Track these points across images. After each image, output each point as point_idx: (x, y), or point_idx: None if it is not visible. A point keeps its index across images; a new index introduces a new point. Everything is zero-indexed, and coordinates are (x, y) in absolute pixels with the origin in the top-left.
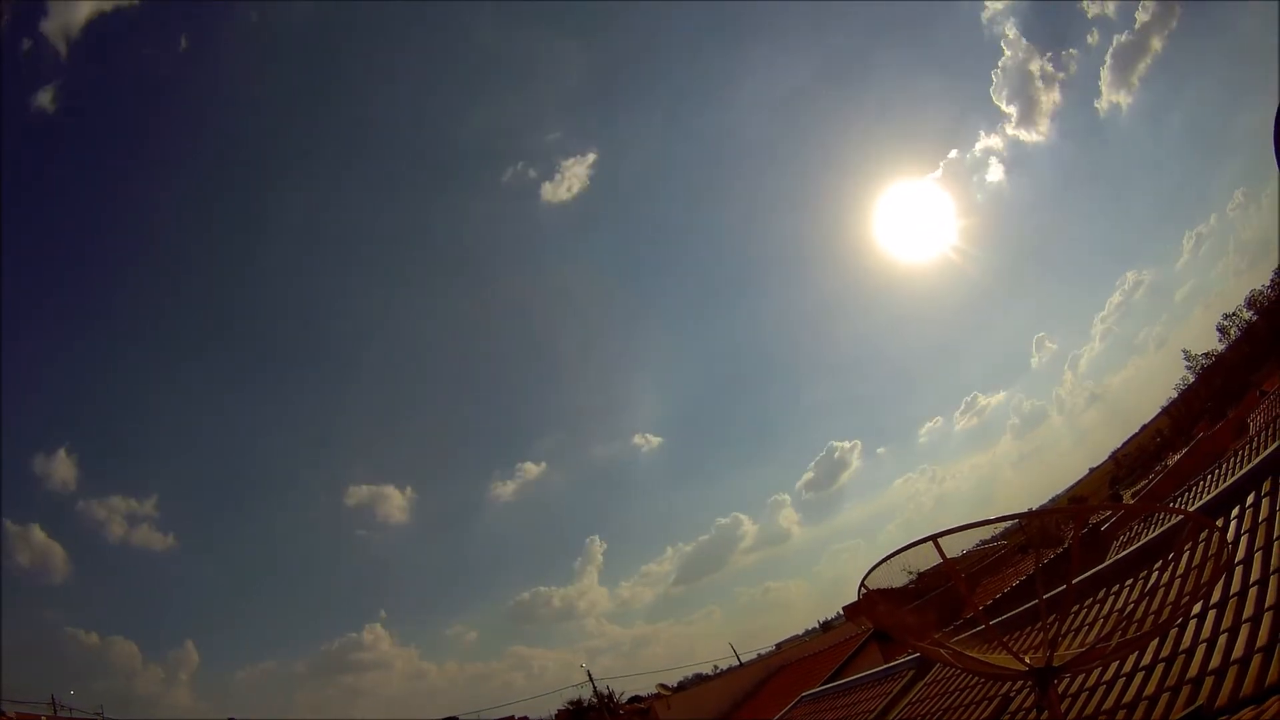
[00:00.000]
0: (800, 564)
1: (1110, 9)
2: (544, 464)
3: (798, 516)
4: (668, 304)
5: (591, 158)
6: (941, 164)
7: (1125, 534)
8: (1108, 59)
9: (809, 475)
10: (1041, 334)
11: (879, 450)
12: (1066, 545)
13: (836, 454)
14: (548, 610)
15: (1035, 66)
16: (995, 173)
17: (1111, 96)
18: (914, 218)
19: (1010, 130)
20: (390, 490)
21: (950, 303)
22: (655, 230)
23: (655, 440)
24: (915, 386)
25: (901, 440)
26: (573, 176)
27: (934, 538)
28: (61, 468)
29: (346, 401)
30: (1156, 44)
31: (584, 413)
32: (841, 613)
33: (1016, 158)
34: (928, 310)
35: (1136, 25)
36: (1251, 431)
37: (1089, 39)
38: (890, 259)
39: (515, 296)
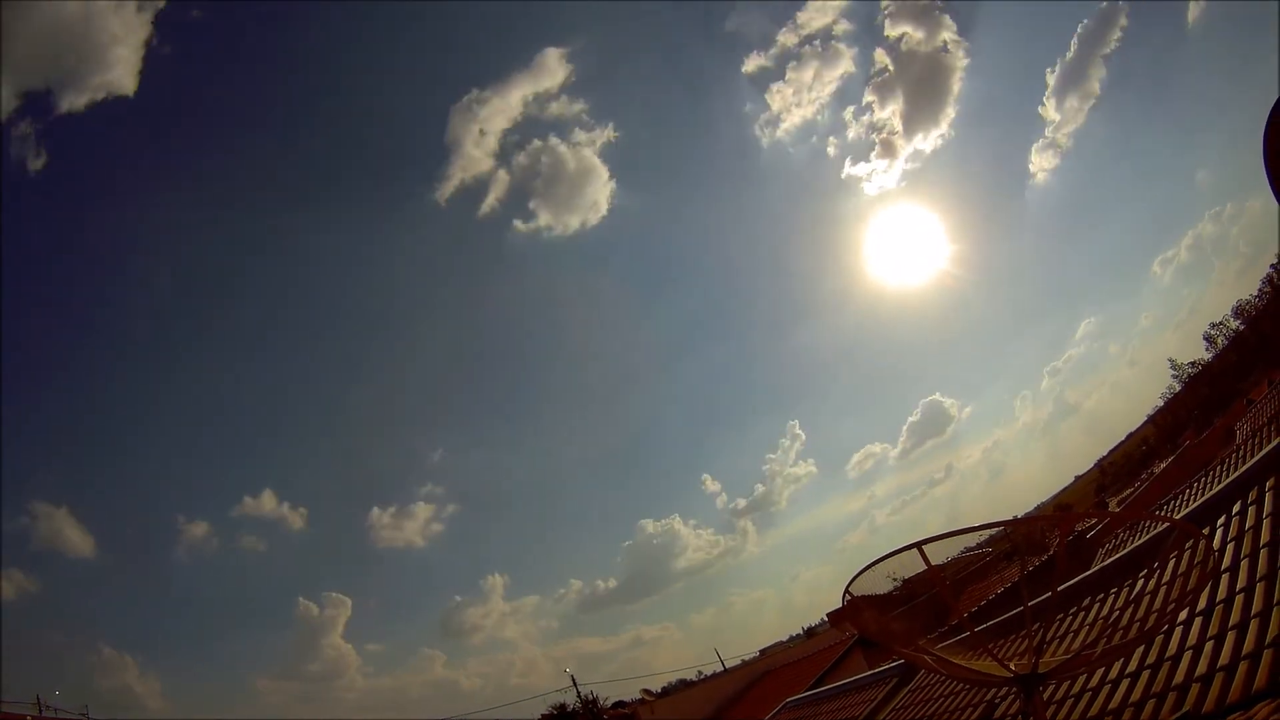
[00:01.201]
0: (766, 573)
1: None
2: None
3: (754, 527)
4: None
5: None
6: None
7: (1111, 541)
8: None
9: (760, 491)
10: (1019, 343)
11: (843, 463)
12: (1052, 552)
13: (791, 466)
14: (491, 621)
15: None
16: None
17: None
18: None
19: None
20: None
21: (934, 313)
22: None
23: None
24: (892, 394)
25: (867, 451)
26: None
27: (919, 544)
28: None
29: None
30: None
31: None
32: (825, 619)
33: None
34: (912, 318)
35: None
36: (1239, 440)
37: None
38: (869, 272)
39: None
